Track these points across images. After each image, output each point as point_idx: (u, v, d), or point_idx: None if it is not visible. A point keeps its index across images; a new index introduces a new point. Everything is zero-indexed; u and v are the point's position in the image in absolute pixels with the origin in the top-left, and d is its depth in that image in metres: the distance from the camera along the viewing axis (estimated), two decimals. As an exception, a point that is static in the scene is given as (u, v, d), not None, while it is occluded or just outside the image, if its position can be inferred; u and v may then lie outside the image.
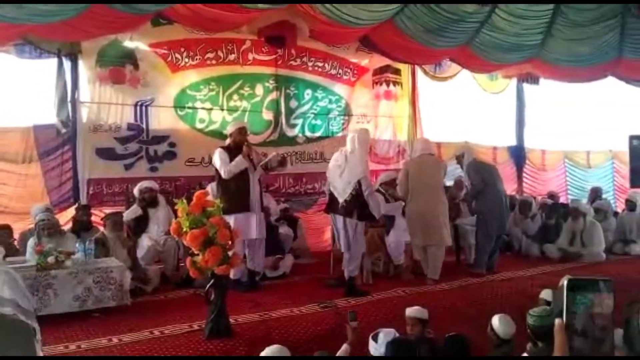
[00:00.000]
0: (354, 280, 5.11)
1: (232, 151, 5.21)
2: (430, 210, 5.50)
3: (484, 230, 6.04)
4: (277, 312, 4.43)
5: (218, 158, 5.19)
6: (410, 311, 3.54)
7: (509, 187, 9.67)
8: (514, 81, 10.02)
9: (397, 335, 3.29)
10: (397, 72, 8.97)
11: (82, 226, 5.64)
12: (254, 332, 3.91)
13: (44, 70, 6.24)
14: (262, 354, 2.87)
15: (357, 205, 5.00)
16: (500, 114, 10.35)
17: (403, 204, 5.86)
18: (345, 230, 5.05)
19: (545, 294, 3.81)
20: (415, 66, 9.06)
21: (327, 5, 5.74)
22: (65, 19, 4.82)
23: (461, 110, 9.72)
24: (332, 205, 5.23)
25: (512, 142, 10.48)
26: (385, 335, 3.21)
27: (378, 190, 5.82)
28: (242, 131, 5.36)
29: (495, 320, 3.38)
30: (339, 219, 5.10)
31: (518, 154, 10.39)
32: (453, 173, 7.20)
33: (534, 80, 9.52)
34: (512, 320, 3.48)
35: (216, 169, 5.24)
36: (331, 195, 5.22)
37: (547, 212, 7.46)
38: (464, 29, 6.78)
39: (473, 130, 9.75)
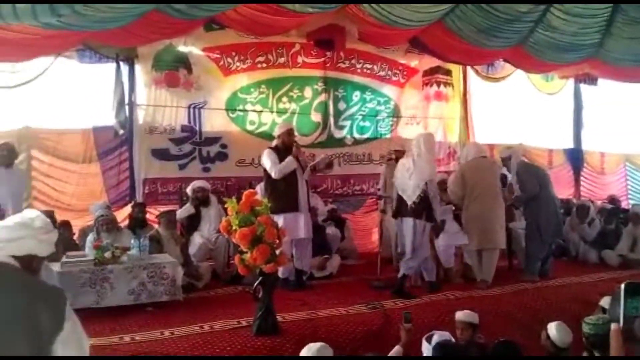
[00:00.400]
0: (405, 279, 5.10)
1: (281, 152, 5.29)
2: (488, 213, 5.47)
3: (537, 237, 5.83)
4: (324, 312, 4.45)
5: (268, 159, 5.26)
6: (461, 315, 3.47)
7: (566, 192, 9.36)
8: (571, 82, 9.67)
9: (452, 338, 3.23)
10: (448, 73, 8.82)
11: (137, 223, 5.86)
12: (301, 331, 3.94)
13: (103, 74, 6.54)
14: (303, 351, 2.88)
15: (425, 207, 5.07)
16: (556, 116, 9.99)
17: (453, 207, 5.78)
18: (413, 233, 5.07)
19: (605, 302, 3.65)
20: (467, 67, 8.88)
21: (376, 6, 5.72)
22: (123, 25, 5.03)
23: (515, 111, 9.45)
24: (400, 209, 5.25)
25: (569, 144, 10.10)
26: (440, 337, 3.16)
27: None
28: (290, 132, 5.44)
29: (552, 328, 3.26)
30: (407, 221, 5.12)
31: (575, 157, 10.01)
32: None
33: (592, 80, 9.16)
34: (568, 328, 3.35)
35: (264, 169, 5.32)
36: (399, 199, 5.24)
37: (606, 217, 7.13)
38: (518, 29, 6.57)
39: (527, 132, 9.48)
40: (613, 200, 8.39)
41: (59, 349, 1.77)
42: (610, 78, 8.63)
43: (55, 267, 4.46)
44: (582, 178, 10.10)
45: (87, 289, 4.36)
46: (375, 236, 8.25)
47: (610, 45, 6.81)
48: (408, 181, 5.11)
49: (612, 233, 6.87)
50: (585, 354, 3.27)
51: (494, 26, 6.34)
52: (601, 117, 10.25)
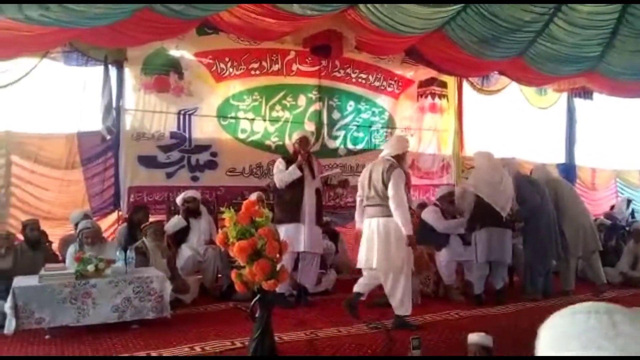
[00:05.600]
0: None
1: (292, 161, 5.18)
2: (588, 219, 5.98)
3: (538, 251, 5.66)
4: (324, 331, 4.17)
5: (276, 167, 5.25)
6: (474, 337, 3.21)
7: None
8: (564, 96, 9.62)
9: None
10: (443, 84, 8.71)
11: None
12: (301, 353, 3.65)
13: (90, 78, 6.22)
14: None
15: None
16: (549, 130, 9.91)
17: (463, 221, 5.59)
18: (508, 241, 5.39)
19: None
20: (462, 79, 8.77)
21: (377, 12, 5.54)
22: (112, 22, 4.77)
23: (508, 125, 9.34)
24: (489, 220, 5.29)
25: (561, 159, 10.02)
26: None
27: (435, 205, 5.79)
28: (301, 141, 5.32)
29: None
30: (507, 232, 5.37)
31: (568, 172, 9.90)
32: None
33: (588, 95, 9.11)
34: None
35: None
36: (486, 209, 5.27)
37: (606, 233, 6.98)
38: (519, 39, 6.46)
39: (520, 146, 9.36)
40: (611, 216, 8.26)
41: None
42: (608, 92, 8.59)
43: (33, 280, 4.13)
44: (574, 194, 9.99)
45: (67, 305, 4.03)
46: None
47: (610, 59, 6.73)
48: (500, 194, 5.31)
49: (613, 250, 6.72)
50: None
51: (496, 36, 6.23)
52: (593, 132, 10.21)
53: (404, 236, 4.27)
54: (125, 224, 5.83)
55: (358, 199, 4.69)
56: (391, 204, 4.25)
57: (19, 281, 4.12)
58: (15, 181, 5.94)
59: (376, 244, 4.33)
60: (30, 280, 4.13)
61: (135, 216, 5.75)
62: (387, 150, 4.62)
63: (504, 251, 5.34)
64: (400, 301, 4.34)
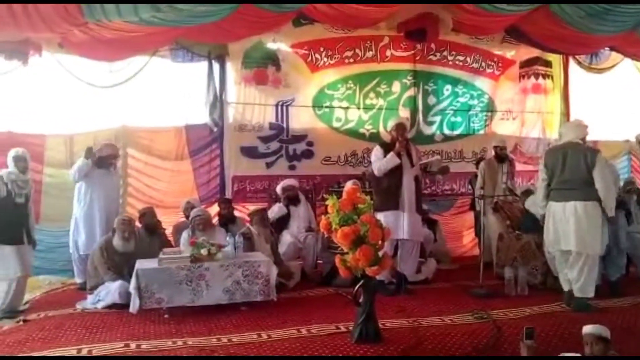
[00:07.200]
0: None
1: (390, 148, 5.17)
2: None
3: None
4: (426, 320, 4.14)
5: (374, 155, 5.24)
6: (590, 328, 3.04)
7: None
8: (688, 71, 8.70)
9: (584, 360, 2.83)
10: (547, 64, 8.25)
11: (227, 220, 5.82)
12: (405, 340, 3.65)
13: (195, 73, 6.59)
14: None
15: None
16: (669, 109, 9.02)
17: None
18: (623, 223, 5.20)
19: None
20: (569, 57, 8.23)
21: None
22: (217, 20, 5.00)
23: (621, 105, 8.64)
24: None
25: (685, 140, 9.08)
26: (571, 360, 2.78)
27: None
28: (398, 128, 5.27)
29: None
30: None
31: (694, 155, 8.99)
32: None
33: None
34: None
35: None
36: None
37: None
38: (633, 11, 5.93)
39: (636, 127, 8.62)
40: None
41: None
42: None
43: (153, 263, 4.47)
44: (700, 178, 9.06)
45: (183, 287, 4.33)
46: (467, 239, 7.83)
47: None
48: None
49: None
50: None
51: (607, 9, 5.75)
52: None
53: (603, 220, 4.41)
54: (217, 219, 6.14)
55: (544, 183, 4.67)
56: (600, 188, 4.34)
57: (140, 264, 4.48)
58: (131, 172, 6.45)
59: (574, 226, 4.39)
60: (151, 264, 4.48)
61: (223, 210, 6.00)
62: (571, 135, 4.63)
63: (617, 232, 5.04)
64: (585, 284, 4.45)
